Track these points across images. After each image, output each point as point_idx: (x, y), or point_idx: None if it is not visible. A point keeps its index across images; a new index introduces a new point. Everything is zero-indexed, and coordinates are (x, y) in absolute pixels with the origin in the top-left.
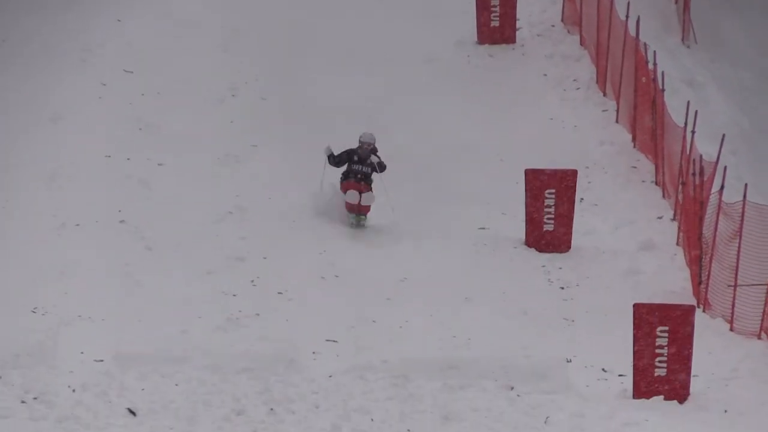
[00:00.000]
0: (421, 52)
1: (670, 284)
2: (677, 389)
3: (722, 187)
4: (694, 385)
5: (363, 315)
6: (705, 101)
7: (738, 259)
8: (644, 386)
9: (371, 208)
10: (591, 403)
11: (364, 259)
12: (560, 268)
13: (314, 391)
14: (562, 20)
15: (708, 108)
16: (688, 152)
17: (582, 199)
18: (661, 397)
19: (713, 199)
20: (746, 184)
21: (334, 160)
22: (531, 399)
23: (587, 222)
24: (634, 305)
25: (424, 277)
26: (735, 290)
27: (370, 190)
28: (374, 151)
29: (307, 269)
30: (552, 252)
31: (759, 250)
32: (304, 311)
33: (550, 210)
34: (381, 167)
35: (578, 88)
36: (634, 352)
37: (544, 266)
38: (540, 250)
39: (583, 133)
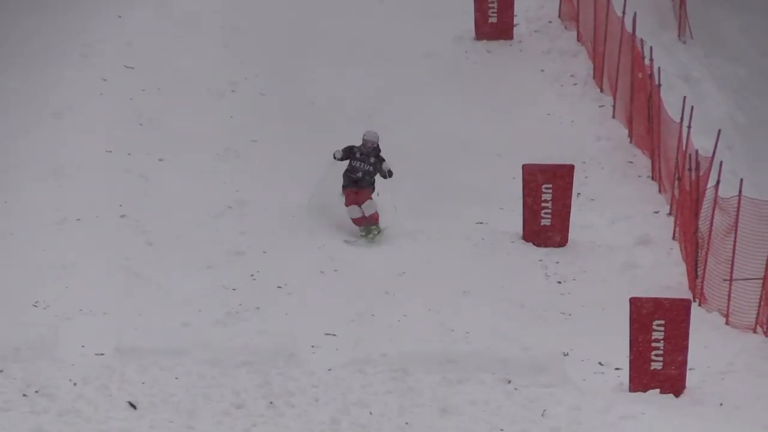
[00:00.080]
0: (420, 48)
1: (667, 278)
2: (673, 383)
3: (718, 182)
4: (690, 379)
5: (362, 309)
6: (701, 97)
7: (734, 254)
8: (640, 380)
9: (379, 214)
10: (588, 396)
11: (363, 254)
12: (557, 263)
13: (314, 385)
14: (559, 16)
15: (704, 103)
16: (684, 147)
17: (579, 194)
18: (658, 390)
19: (709, 193)
20: (742, 179)
21: (338, 156)
22: (528, 392)
23: (584, 217)
24: (631, 299)
25: (422, 272)
26: (731, 284)
27: (370, 193)
28: (377, 150)
29: (306, 264)
30: (549, 246)
31: (754, 245)
32: (304, 305)
33: (547, 205)
34: (389, 174)
35: (575, 84)
36: (631, 346)
37: (541, 260)
38: (537, 245)
39: (580, 128)
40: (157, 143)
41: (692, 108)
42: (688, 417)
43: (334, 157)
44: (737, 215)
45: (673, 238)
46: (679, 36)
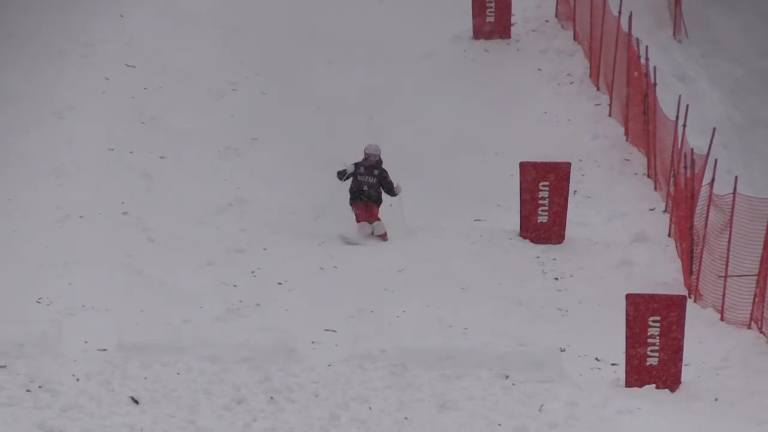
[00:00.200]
0: (419, 47)
1: (662, 275)
2: (669, 378)
3: (713, 180)
4: (686, 374)
5: (361, 305)
6: (696, 95)
7: (728, 251)
8: (636, 375)
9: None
10: (584, 391)
11: (363, 251)
12: (554, 259)
13: (314, 381)
14: (556, 16)
15: (699, 102)
16: (679, 145)
17: (575, 191)
18: (653, 385)
19: (704, 191)
20: (736, 177)
21: (342, 175)
22: (526, 388)
23: (581, 214)
24: (627, 295)
25: (421, 268)
26: (726, 281)
27: (378, 209)
28: (380, 162)
29: (306, 261)
30: (546, 243)
31: (749, 242)
32: (304, 302)
33: (544, 202)
34: (397, 191)
35: (572, 83)
36: (627, 342)
37: (538, 257)
38: (534, 242)
39: (577, 126)
40: (158, 141)
41: (687, 106)
42: (684, 412)
43: (339, 179)
44: (732, 213)
45: (669, 235)
46: (674, 35)
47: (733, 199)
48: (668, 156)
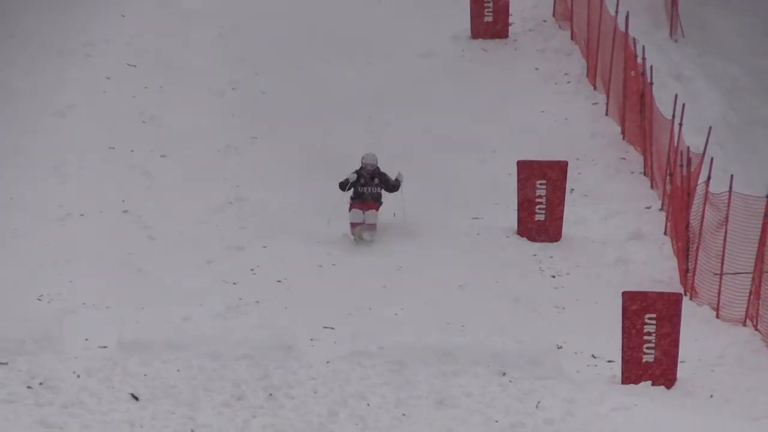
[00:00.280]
0: (417, 47)
1: (658, 273)
2: (665, 375)
3: (709, 178)
4: (681, 371)
5: (360, 303)
6: (692, 95)
7: (724, 248)
8: (633, 372)
9: (376, 226)
10: (581, 388)
11: (361, 249)
12: (551, 257)
13: (312, 377)
14: (553, 16)
15: (695, 101)
16: (675, 144)
17: (572, 189)
18: (649, 382)
19: (700, 189)
20: (732, 175)
21: (345, 185)
22: (523, 384)
23: (577, 212)
24: (623, 293)
25: (419, 266)
26: (721, 278)
27: (377, 207)
28: (378, 169)
29: (305, 258)
30: (543, 241)
31: (744, 240)
32: (303, 299)
33: (541, 200)
34: (398, 183)
35: (569, 82)
36: (623, 339)
37: (535, 255)
38: (531, 240)
39: (574, 125)
40: (159, 140)
41: (684, 105)
42: (679, 408)
43: (342, 189)
44: (728, 211)
45: (665, 233)
46: (671, 35)
47: (729, 198)
48: (664, 155)
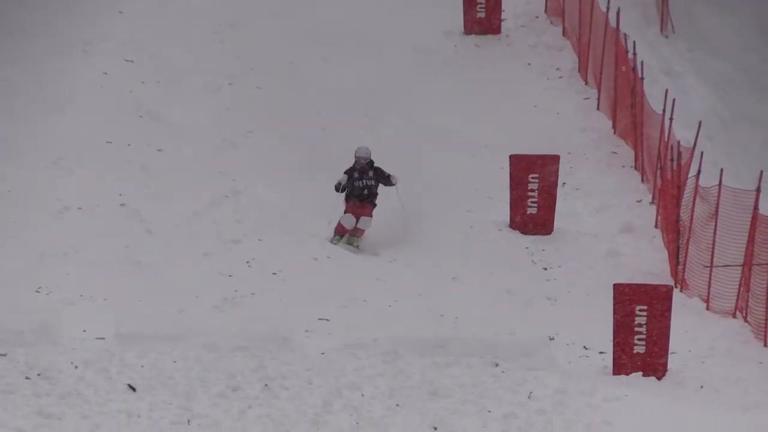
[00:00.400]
0: (411, 42)
1: (649, 265)
2: (655, 366)
3: (699, 172)
4: (672, 362)
5: (354, 295)
6: (683, 90)
7: (714, 241)
8: (624, 363)
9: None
10: (573, 379)
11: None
12: (543, 250)
13: (307, 368)
14: (545, 11)
15: (685, 96)
16: (666, 138)
17: (564, 183)
18: (640, 373)
19: (690, 183)
20: (722, 169)
21: (338, 187)
22: (515, 375)
23: (569, 205)
24: (614, 285)
25: (412, 259)
26: (711, 271)
27: (371, 211)
28: (371, 162)
29: (300, 251)
30: (535, 234)
31: (734, 233)
32: (298, 291)
33: (533, 194)
34: (394, 180)
35: (561, 77)
36: (614, 330)
37: (527, 248)
38: (524, 233)
39: (566, 120)
40: (156, 134)
41: (674, 100)
42: (670, 399)
43: (337, 191)
44: (717, 204)
45: (656, 226)
46: (661, 31)
47: (719, 191)
48: (655, 149)
